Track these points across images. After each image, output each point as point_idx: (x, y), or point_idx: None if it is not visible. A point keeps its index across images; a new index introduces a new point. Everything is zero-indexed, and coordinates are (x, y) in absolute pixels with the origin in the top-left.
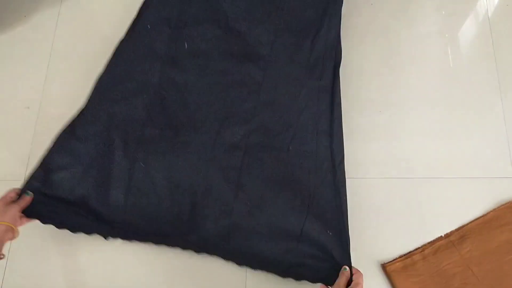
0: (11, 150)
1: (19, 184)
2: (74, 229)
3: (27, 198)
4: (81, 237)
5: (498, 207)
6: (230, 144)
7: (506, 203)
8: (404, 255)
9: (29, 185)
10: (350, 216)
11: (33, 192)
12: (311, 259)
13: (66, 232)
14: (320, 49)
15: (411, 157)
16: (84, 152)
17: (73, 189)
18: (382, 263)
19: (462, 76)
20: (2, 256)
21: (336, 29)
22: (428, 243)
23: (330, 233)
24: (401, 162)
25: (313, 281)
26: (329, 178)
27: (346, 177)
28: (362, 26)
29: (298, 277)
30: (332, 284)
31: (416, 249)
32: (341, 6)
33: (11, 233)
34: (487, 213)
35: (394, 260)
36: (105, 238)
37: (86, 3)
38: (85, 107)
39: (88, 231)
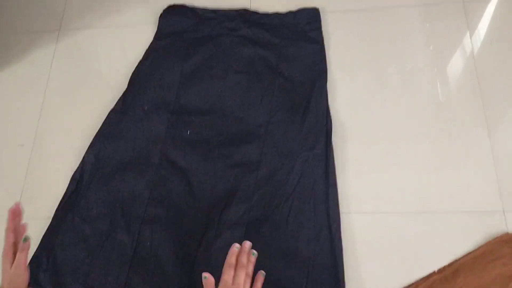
0: (3, 187)
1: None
2: None
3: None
4: None
5: (489, 242)
6: (233, 221)
7: (496, 237)
8: None
9: (30, 266)
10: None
11: (34, 272)
12: None
13: None
14: (311, 120)
15: (402, 191)
16: (89, 233)
17: (76, 270)
18: None
19: (450, 110)
20: None
21: (324, 100)
22: (421, 279)
23: None
24: (392, 196)
25: None
26: (327, 246)
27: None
28: (352, 62)
29: None
30: None
31: (410, 285)
32: (326, 81)
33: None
34: (479, 248)
35: None
36: None
37: (82, 42)
38: (83, 184)
39: None
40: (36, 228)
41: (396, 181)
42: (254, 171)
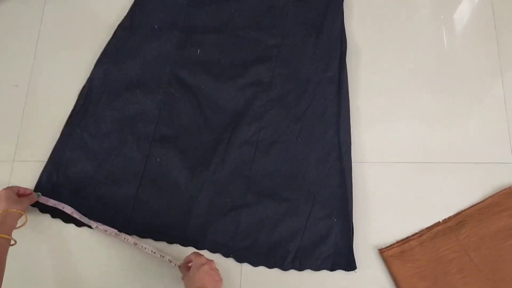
0: (0, 129)
1: (7, 164)
2: (67, 220)
3: (35, 197)
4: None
5: (497, 193)
6: (242, 141)
7: (504, 189)
8: (402, 240)
9: (40, 180)
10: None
11: (44, 186)
12: (315, 246)
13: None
14: (324, 42)
15: (409, 142)
16: (98, 148)
17: (85, 184)
18: (379, 248)
19: (461, 59)
20: (14, 243)
21: (339, 21)
22: (426, 228)
23: (335, 220)
24: (400, 147)
25: (317, 268)
26: (336, 166)
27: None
28: (361, 8)
29: (301, 267)
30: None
31: (414, 234)
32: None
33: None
34: (486, 199)
35: (391, 245)
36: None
37: None
38: (92, 102)
39: (79, 224)
40: (33, 171)
41: (403, 132)
42: (265, 92)
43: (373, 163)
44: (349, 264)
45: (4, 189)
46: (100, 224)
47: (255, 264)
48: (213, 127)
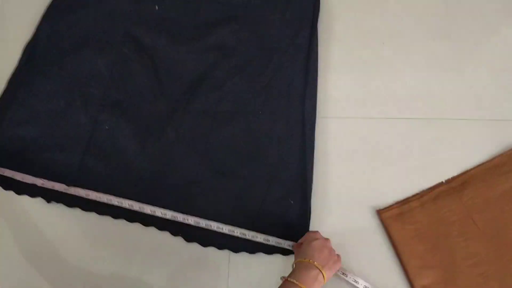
0: None
1: None
2: (19, 191)
3: None
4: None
5: (504, 152)
6: (200, 110)
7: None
8: (401, 201)
9: None
10: (346, 158)
11: None
12: (269, 229)
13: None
14: (295, 4)
15: (414, 95)
16: (43, 109)
17: (28, 147)
18: (378, 209)
19: (468, 6)
20: None
21: None
22: (427, 189)
23: (292, 201)
24: (403, 100)
25: (269, 252)
26: (298, 143)
27: (343, 115)
28: None
29: (253, 250)
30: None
31: (414, 195)
32: None
33: None
34: (492, 159)
35: (390, 206)
36: (48, 202)
37: None
38: (38, 59)
39: (32, 194)
40: None
41: (408, 83)
42: (228, 58)
43: (376, 119)
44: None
45: None
46: (45, 180)
47: (205, 244)
48: (168, 94)
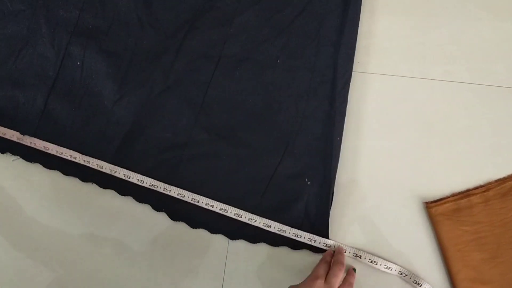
0: None
1: None
2: None
3: None
4: None
5: None
6: (199, 52)
7: None
8: (459, 193)
9: None
10: (389, 130)
11: None
12: (277, 213)
13: None
14: None
15: (490, 54)
16: (0, 33)
17: None
18: (426, 201)
19: None
20: None
21: None
22: (496, 181)
23: (309, 182)
24: (475, 60)
25: (274, 243)
26: (324, 107)
27: (392, 73)
28: None
29: (255, 239)
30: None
31: (478, 187)
32: None
33: None
34: None
35: (443, 199)
36: (1, 153)
37: None
38: None
39: None
40: None
41: (476, 36)
42: None
43: (436, 81)
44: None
45: None
46: None
47: (194, 226)
48: (159, 25)
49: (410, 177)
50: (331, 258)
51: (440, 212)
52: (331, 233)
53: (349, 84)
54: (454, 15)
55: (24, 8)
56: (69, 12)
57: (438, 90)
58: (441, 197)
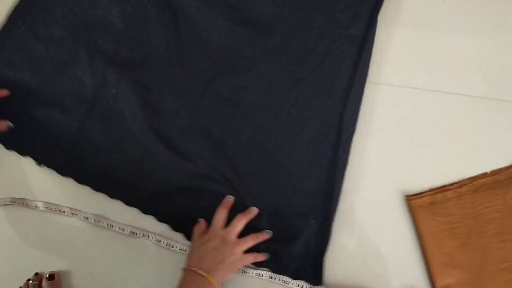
0: None
1: None
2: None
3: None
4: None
5: None
6: (222, 95)
7: None
8: (436, 188)
9: None
10: (378, 131)
11: None
12: (279, 246)
13: None
14: None
15: (471, 67)
16: (43, 55)
17: (23, 99)
18: (407, 194)
19: None
20: None
21: None
22: (468, 179)
23: (312, 221)
24: (457, 72)
25: (274, 270)
26: (329, 155)
27: (381, 81)
28: None
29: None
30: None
31: (452, 184)
32: None
33: None
34: None
35: (421, 193)
36: (38, 164)
37: None
38: None
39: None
40: None
41: (470, 50)
42: (263, 36)
43: (421, 90)
44: (314, 277)
45: None
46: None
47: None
48: (188, 65)
49: (394, 174)
50: (229, 207)
51: (418, 204)
52: None
53: (352, 137)
54: (440, 30)
55: (67, 36)
56: (108, 44)
57: (421, 97)
58: (420, 191)
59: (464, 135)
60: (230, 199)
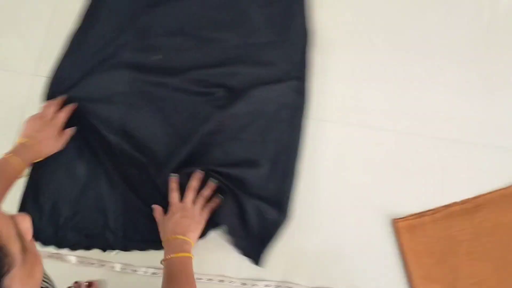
0: (24, 41)
1: (27, 77)
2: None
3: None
4: None
5: None
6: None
7: None
8: (415, 214)
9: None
10: (372, 167)
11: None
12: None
13: None
14: (292, 39)
15: (440, 114)
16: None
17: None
18: (394, 218)
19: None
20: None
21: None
22: (442, 206)
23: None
24: (432, 118)
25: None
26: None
27: (368, 125)
28: None
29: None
30: None
31: (429, 210)
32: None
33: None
34: (508, 187)
35: (406, 217)
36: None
37: None
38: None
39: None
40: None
41: (429, 102)
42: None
43: (400, 133)
44: (258, 256)
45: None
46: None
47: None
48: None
49: (380, 201)
50: (178, 183)
51: (402, 227)
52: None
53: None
54: (416, 86)
55: (88, 174)
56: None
57: (401, 139)
58: (403, 216)
59: (437, 170)
60: (174, 177)
